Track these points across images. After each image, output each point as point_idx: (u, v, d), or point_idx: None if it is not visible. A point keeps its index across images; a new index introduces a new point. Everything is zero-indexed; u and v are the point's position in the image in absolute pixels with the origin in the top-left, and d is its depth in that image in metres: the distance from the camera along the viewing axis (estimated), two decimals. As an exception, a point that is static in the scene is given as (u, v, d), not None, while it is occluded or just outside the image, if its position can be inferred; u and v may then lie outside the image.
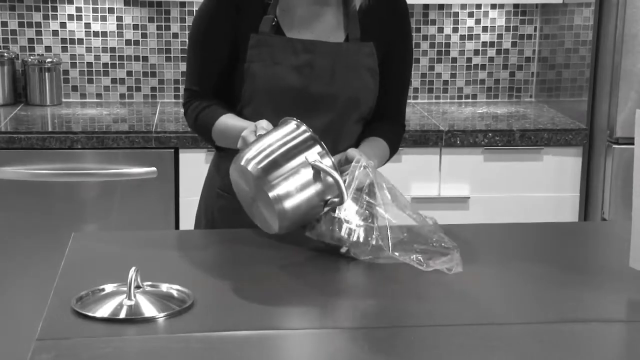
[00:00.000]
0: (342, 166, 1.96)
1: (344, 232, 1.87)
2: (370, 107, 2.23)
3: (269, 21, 2.16)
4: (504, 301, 1.78)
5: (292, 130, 1.84)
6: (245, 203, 1.91)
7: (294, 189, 1.79)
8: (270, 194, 1.78)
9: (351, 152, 1.98)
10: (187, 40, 2.24)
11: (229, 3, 2.17)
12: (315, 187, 1.81)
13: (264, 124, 1.90)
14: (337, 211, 1.86)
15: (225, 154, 2.22)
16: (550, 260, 2.01)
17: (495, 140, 3.42)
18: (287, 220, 1.82)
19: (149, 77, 3.91)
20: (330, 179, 1.81)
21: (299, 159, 1.80)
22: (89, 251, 2.02)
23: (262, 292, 1.80)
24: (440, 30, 3.98)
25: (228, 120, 2.12)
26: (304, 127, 1.84)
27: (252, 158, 1.81)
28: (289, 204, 1.79)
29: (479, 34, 3.99)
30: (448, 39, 3.99)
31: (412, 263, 1.83)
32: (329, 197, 1.82)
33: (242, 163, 1.81)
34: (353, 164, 1.91)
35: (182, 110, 2.32)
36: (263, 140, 1.84)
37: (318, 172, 1.81)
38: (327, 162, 1.81)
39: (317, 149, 1.82)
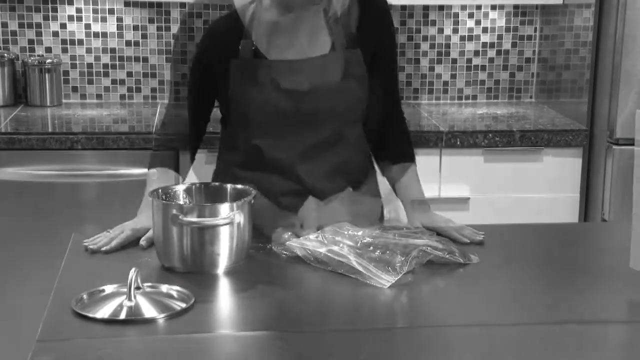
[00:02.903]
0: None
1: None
2: (362, 115, 2.19)
3: (249, 45, 2.11)
4: (504, 302, 1.78)
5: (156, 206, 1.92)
6: None
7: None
8: (207, 269, 1.87)
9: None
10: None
11: (205, 47, 2.17)
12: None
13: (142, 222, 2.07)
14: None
15: (221, 154, 2.27)
16: (550, 261, 2.02)
17: (496, 141, 3.42)
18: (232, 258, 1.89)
19: (149, 78, 3.90)
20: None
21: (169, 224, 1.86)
22: (88, 252, 2.02)
23: (262, 292, 1.80)
24: (441, 31, 3.98)
25: (150, 177, 2.25)
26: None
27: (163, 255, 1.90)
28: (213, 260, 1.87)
29: (479, 35, 3.99)
30: (448, 40, 3.98)
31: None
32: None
33: (167, 266, 1.90)
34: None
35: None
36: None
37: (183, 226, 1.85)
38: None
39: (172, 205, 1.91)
